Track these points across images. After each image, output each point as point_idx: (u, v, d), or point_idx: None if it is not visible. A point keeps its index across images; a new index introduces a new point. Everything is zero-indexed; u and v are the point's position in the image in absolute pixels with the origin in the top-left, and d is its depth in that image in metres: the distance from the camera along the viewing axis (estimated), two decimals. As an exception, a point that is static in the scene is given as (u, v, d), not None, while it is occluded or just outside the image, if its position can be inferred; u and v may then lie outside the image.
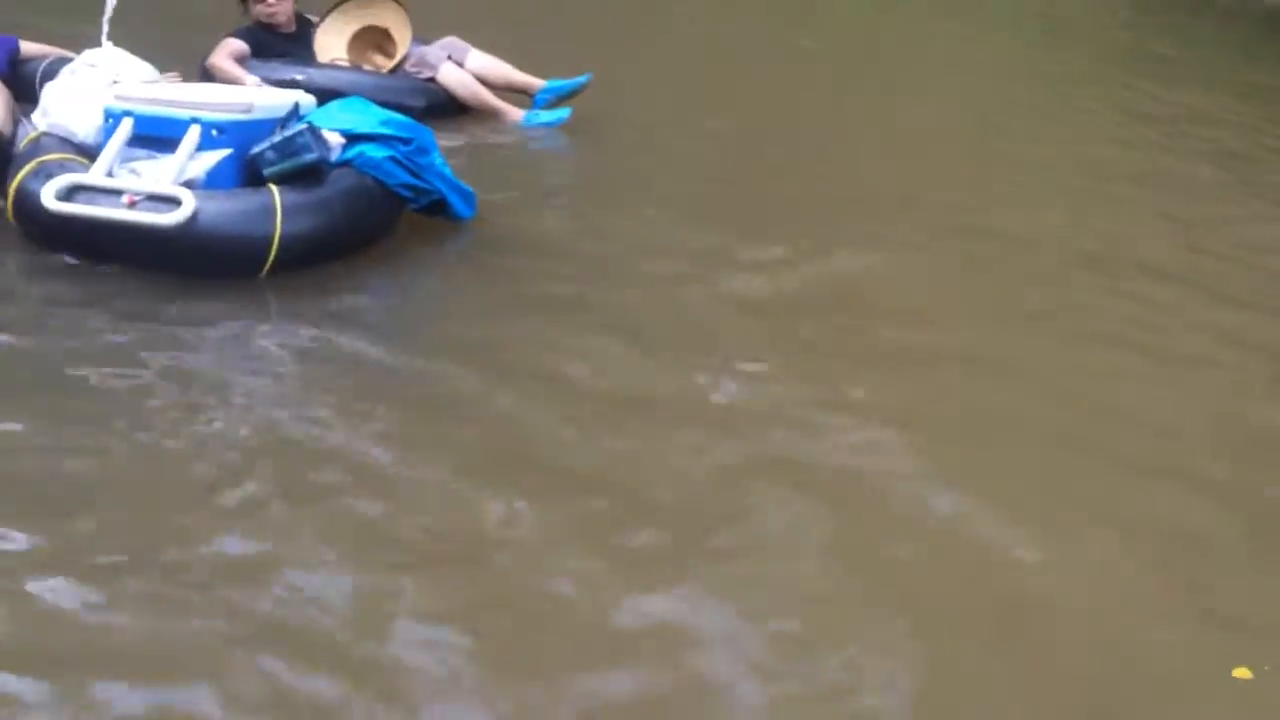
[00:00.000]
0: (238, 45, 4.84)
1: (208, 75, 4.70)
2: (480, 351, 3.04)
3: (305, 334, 3.05)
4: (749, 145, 5.15)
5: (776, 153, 5.10)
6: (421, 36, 5.07)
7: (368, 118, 3.55)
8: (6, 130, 3.64)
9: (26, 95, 3.84)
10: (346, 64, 4.96)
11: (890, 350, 3.27)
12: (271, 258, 3.20)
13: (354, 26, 5.01)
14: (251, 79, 4.61)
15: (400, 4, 5.00)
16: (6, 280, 3.27)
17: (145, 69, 3.86)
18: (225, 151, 3.32)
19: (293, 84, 4.43)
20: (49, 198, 3.15)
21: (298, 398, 2.77)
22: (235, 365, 2.93)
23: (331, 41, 5.00)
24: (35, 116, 3.65)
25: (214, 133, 3.34)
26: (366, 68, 5.00)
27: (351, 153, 3.46)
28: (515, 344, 3.12)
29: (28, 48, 4.23)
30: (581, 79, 4.96)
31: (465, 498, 2.38)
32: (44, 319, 3.06)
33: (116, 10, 3.88)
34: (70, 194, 3.19)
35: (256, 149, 3.29)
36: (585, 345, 3.11)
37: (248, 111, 3.40)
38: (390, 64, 5.01)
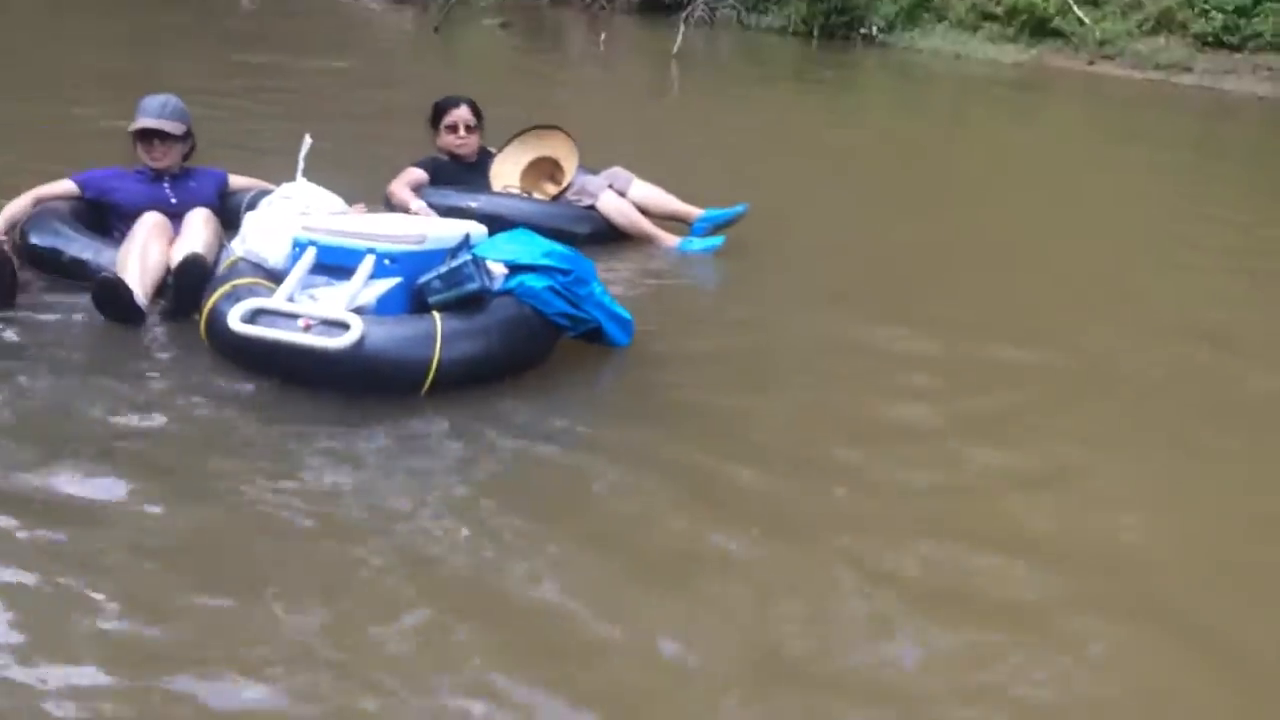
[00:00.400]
0: (417, 174, 5.06)
1: (389, 200, 4.95)
2: (632, 452, 3.12)
3: (457, 446, 3.14)
4: (908, 274, 5.04)
5: (940, 278, 5.00)
6: (590, 167, 5.19)
7: (531, 249, 3.62)
8: (211, 256, 3.88)
9: (232, 224, 4.09)
10: (516, 192, 5.11)
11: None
12: (429, 380, 3.29)
13: (528, 157, 5.19)
14: (419, 205, 4.79)
15: (569, 136, 5.17)
16: (189, 389, 3.41)
17: (334, 201, 4.06)
18: (395, 280, 3.45)
19: (463, 210, 4.70)
20: (235, 320, 3.31)
21: (444, 505, 2.83)
22: (393, 474, 3.02)
23: (506, 170, 5.18)
24: (234, 243, 3.87)
25: (386, 262, 3.46)
26: (535, 195, 5.14)
27: (513, 282, 3.51)
28: (670, 449, 3.16)
29: (235, 181, 4.52)
30: (738, 209, 5.00)
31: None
32: (218, 427, 3.18)
33: (313, 149, 4.12)
34: (254, 317, 3.34)
35: (424, 278, 3.38)
36: (738, 454, 3.14)
37: (420, 243, 3.52)
38: (555, 191, 5.15)
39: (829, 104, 10.96)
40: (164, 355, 3.66)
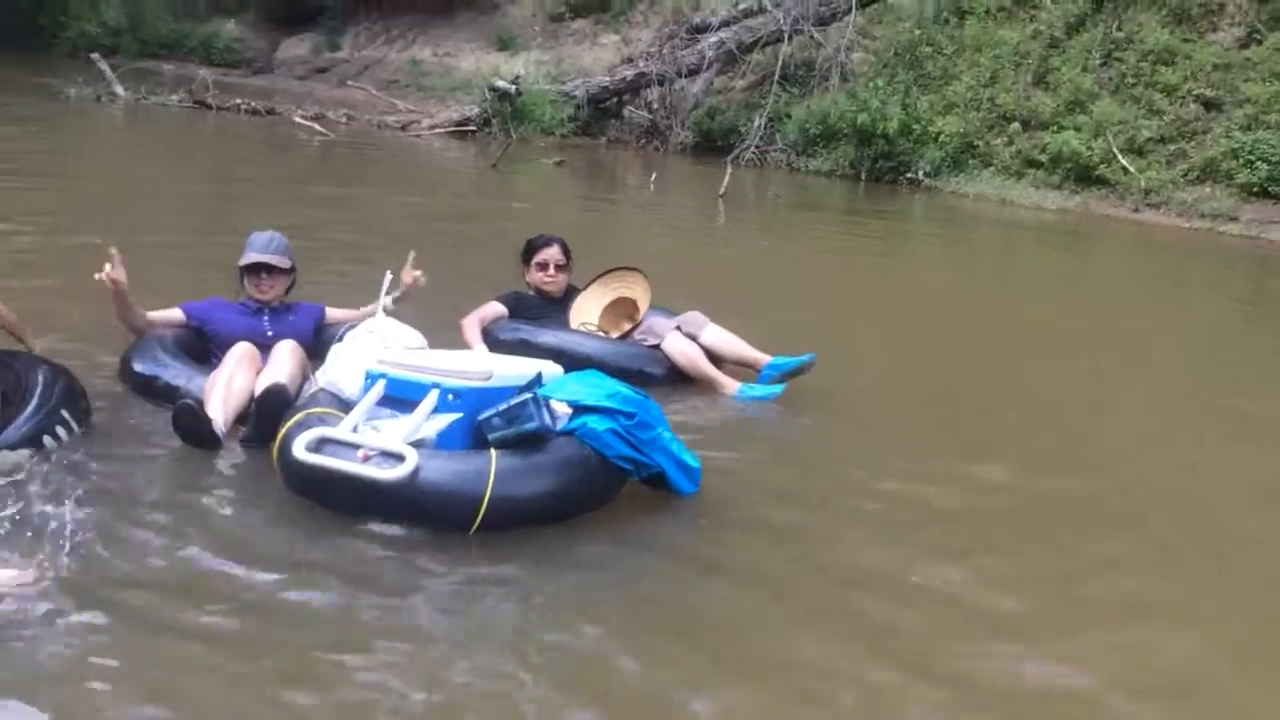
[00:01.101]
0: (495, 309, 5.14)
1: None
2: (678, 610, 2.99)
3: (500, 593, 3.07)
4: (966, 423, 4.97)
5: (1007, 431, 4.92)
6: (668, 309, 5.26)
7: (596, 390, 3.59)
8: (294, 386, 3.93)
9: (324, 355, 4.11)
10: (593, 329, 5.14)
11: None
12: (480, 517, 3.24)
13: (609, 297, 5.23)
14: (480, 346, 4.85)
15: (645, 277, 5.22)
16: (254, 521, 3.42)
17: (413, 336, 4.11)
18: (457, 415, 3.44)
19: (531, 345, 4.81)
20: (299, 447, 3.33)
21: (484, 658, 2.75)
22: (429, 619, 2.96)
23: (588, 308, 5.22)
24: (318, 374, 3.93)
25: (450, 397, 3.48)
26: (608, 333, 5.15)
27: (575, 423, 3.49)
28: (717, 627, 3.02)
29: (332, 314, 4.60)
30: (806, 358, 4.95)
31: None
32: (265, 554, 3.18)
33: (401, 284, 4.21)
34: (319, 446, 3.35)
35: (484, 415, 3.37)
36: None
37: (486, 379, 3.52)
38: (622, 330, 5.18)
39: (880, 247, 11.04)
40: (232, 480, 3.67)
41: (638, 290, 5.23)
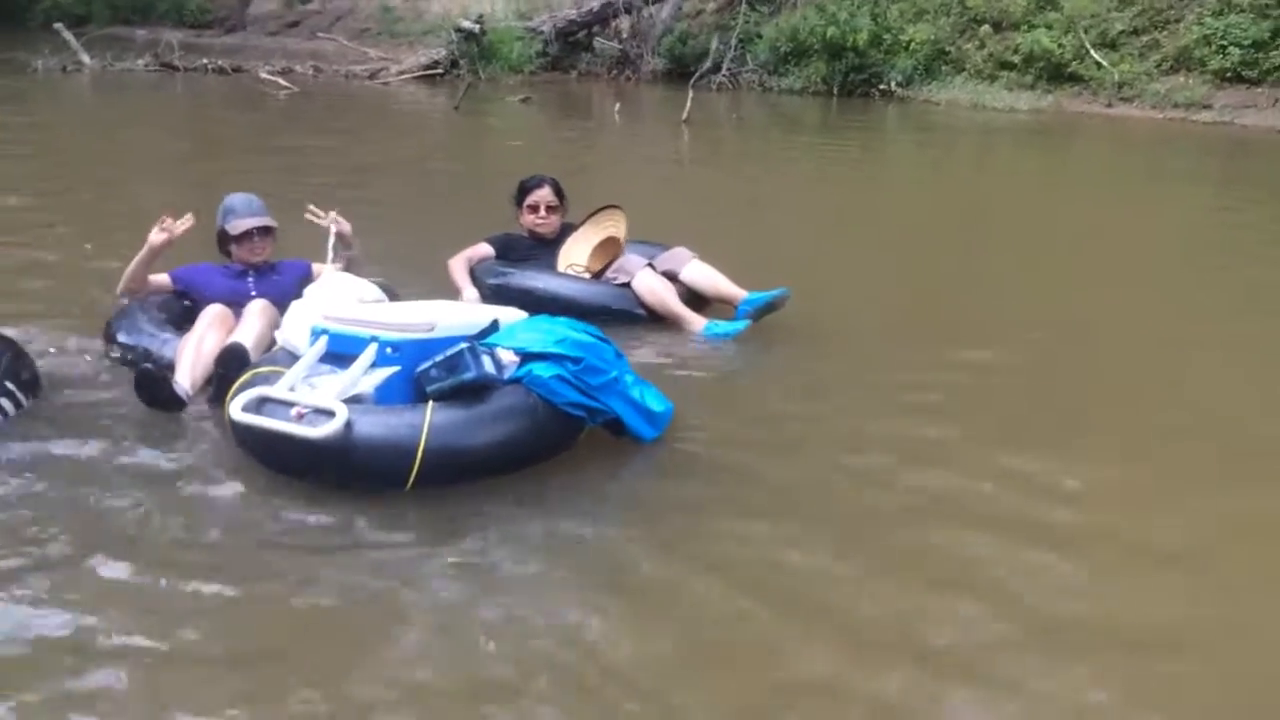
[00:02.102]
0: (483, 250, 4.99)
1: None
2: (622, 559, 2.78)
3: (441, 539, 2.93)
4: (944, 347, 4.69)
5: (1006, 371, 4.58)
6: (663, 244, 5.08)
7: (544, 336, 3.38)
8: (263, 346, 3.77)
9: None
10: (580, 270, 4.94)
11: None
12: (414, 472, 3.06)
13: (598, 236, 4.99)
14: (470, 292, 4.76)
15: (623, 214, 5.01)
16: (203, 478, 3.31)
17: (369, 289, 3.95)
18: (395, 369, 3.25)
19: (500, 287, 4.71)
20: (235, 408, 3.18)
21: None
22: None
23: (577, 250, 5.01)
24: (277, 333, 3.77)
25: (389, 350, 3.28)
26: (573, 272, 4.96)
27: (521, 371, 3.28)
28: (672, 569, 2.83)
29: (319, 270, 4.36)
30: (776, 293, 4.71)
31: None
32: (205, 515, 3.08)
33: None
34: (259, 405, 3.19)
35: (421, 367, 3.17)
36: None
37: (429, 331, 3.31)
38: (594, 270, 4.97)
39: (853, 160, 10.79)
40: (189, 442, 3.53)
41: (621, 228, 5.01)
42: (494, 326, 3.48)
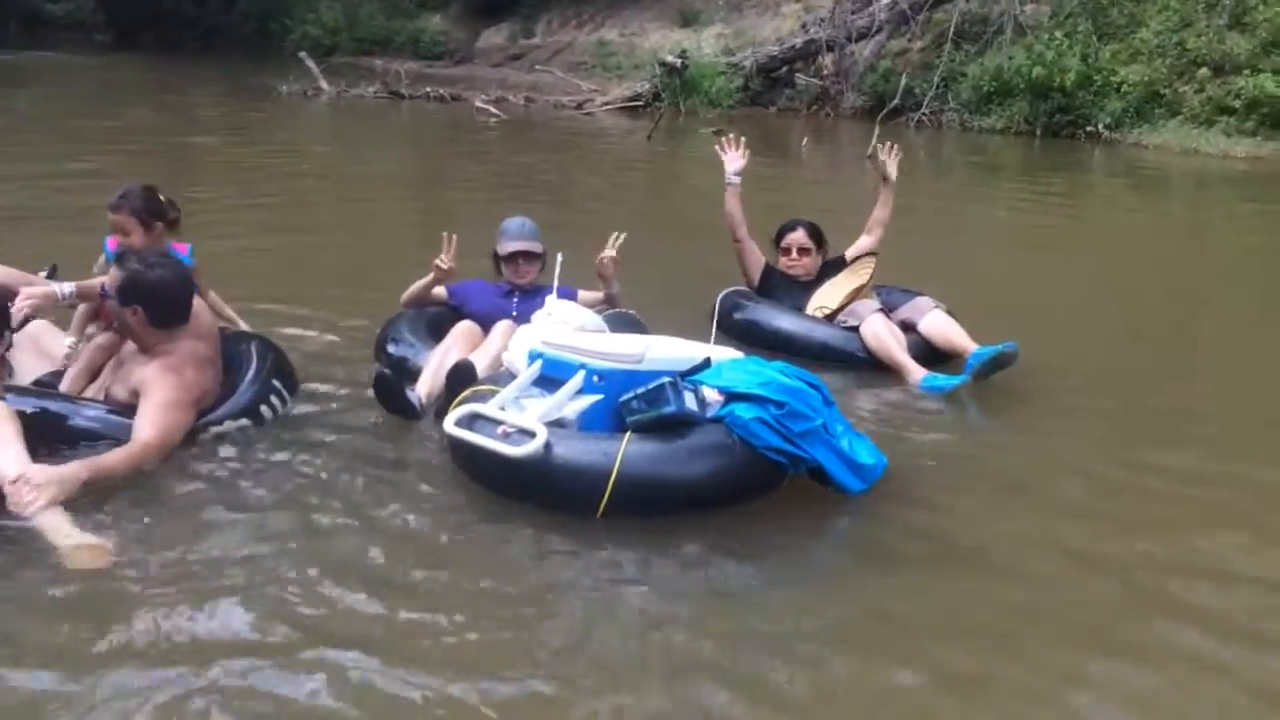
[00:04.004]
0: (757, 258, 5.09)
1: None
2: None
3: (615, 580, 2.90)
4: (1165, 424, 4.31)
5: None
6: (916, 291, 4.96)
7: (750, 377, 3.29)
8: (496, 368, 3.84)
9: None
10: (821, 315, 4.86)
11: None
12: (605, 499, 3.05)
13: (853, 283, 4.89)
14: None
15: (874, 259, 4.96)
16: (415, 494, 3.38)
17: (589, 318, 4.01)
18: (598, 397, 3.27)
19: (730, 321, 4.81)
20: (449, 422, 3.28)
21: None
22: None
23: (829, 294, 4.94)
24: (504, 354, 3.85)
25: (595, 379, 3.30)
26: (815, 315, 4.88)
27: (723, 410, 3.21)
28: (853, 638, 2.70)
29: (583, 296, 4.45)
30: (1004, 346, 4.41)
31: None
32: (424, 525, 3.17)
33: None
34: (470, 421, 3.28)
35: (624, 398, 3.17)
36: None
37: (636, 363, 3.30)
38: (830, 311, 4.87)
39: (1054, 206, 10.28)
40: (413, 455, 3.64)
41: (868, 274, 4.91)
42: (705, 364, 3.42)
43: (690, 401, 3.12)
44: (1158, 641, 2.74)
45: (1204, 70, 14.33)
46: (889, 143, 5.25)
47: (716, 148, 4.97)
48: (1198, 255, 8.18)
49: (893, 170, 5.18)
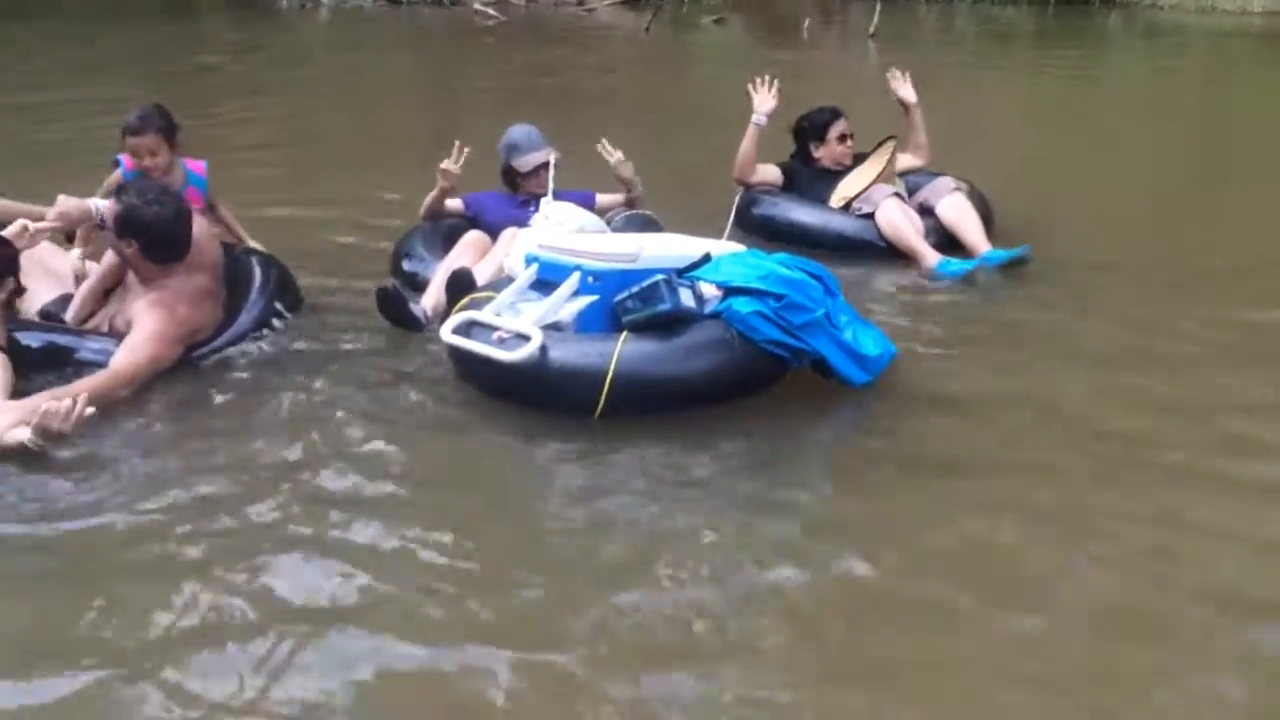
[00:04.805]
0: (770, 172, 4.87)
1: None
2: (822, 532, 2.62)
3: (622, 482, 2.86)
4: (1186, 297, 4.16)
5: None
6: (938, 172, 4.79)
7: (748, 271, 3.18)
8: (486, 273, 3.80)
9: None
10: (843, 204, 4.67)
11: None
12: (603, 399, 3.00)
13: (874, 170, 4.68)
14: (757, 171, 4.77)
15: (893, 142, 4.71)
16: (415, 394, 3.38)
17: (588, 218, 3.94)
18: (594, 297, 3.19)
19: (746, 215, 4.72)
20: (445, 330, 3.26)
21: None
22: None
23: (851, 182, 4.74)
24: (505, 259, 3.79)
25: (590, 279, 3.22)
26: (836, 205, 4.70)
27: (721, 305, 3.13)
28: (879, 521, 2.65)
29: (601, 200, 4.39)
30: (1017, 251, 4.28)
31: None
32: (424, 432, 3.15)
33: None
34: (468, 329, 3.24)
35: (619, 297, 3.09)
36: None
37: (631, 261, 3.21)
38: (848, 199, 4.69)
39: (1070, 76, 9.91)
40: (416, 362, 3.60)
41: (885, 159, 4.69)
42: (705, 260, 3.32)
43: (686, 298, 3.05)
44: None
45: (1222, -76, 13.68)
46: (894, 69, 4.94)
47: (749, 87, 4.69)
48: (1220, 113, 7.87)
49: (907, 93, 4.90)
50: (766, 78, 4.76)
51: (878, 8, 12.35)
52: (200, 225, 3.61)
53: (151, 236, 3.39)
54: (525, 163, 4.27)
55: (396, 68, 11.37)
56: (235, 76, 10.39)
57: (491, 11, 15.05)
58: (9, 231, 3.40)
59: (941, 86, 9.08)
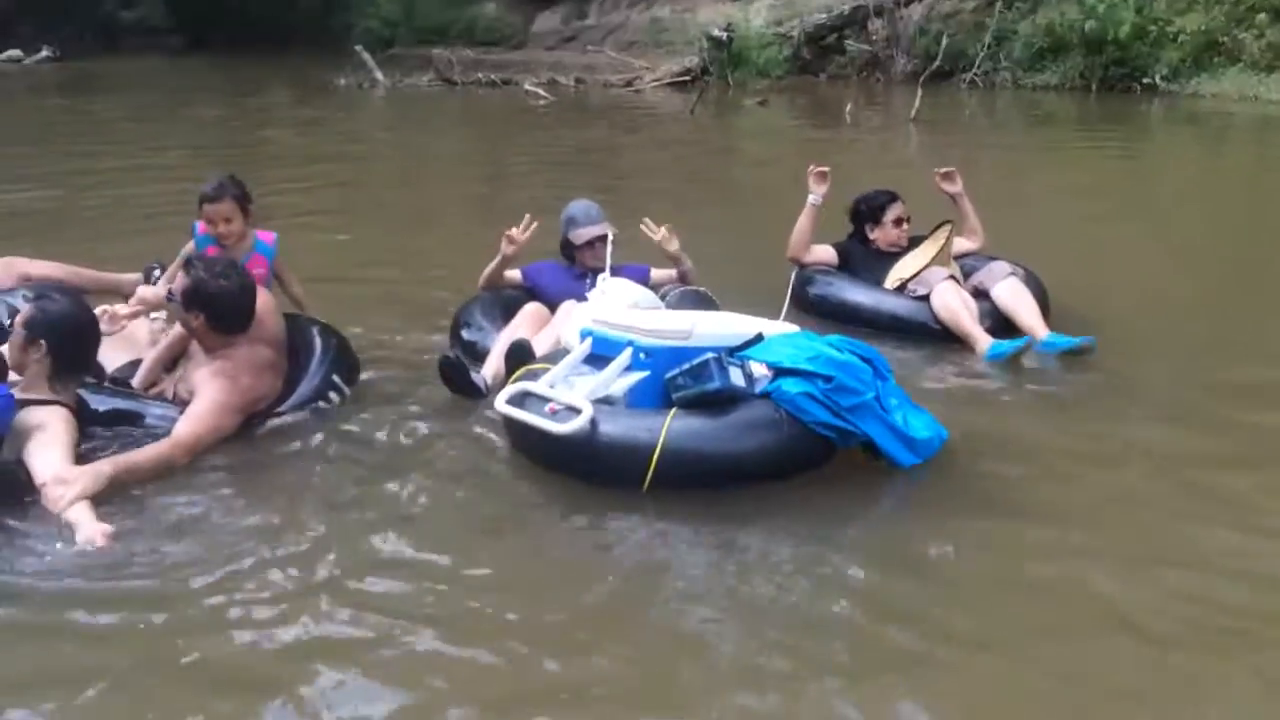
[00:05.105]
0: (825, 253, 4.89)
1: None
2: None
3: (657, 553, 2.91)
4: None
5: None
6: (993, 257, 4.78)
7: (798, 352, 3.21)
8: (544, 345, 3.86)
9: None
10: (897, 286, 4.67)
11: None
12: (649, 475, 3.03)
13: (931, 251, 4.69)
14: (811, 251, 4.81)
15: (950, 226, 4.74)
16: (470, 462, 3.43)
17: (643, 295, 3.98)
18: (645, 373, 3.24)
19: (801, 295, 4.74)
20: (500, 400, 3.31)
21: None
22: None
23: (907, 264, 4.72)
24: (562, 332, 3.84)
25: (642, 355, 3.27)
26: (891, 287, 4.69)
27: (771, 386, 3.15)
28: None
29: (656, 275, 4.41)
30: (1081, 340, 4.22)
31: None
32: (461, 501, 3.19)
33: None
34: (521, 400, 3.29)
35: (670, 374, 3.13)
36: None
37: (684, 339, 3.26)
38: (903, 281, 4.68)
39: (1110, 161, 9.94)
40: (470, 429, 3.65)
41: (941, 242, 4.70)
42: (757, 339, 3.36)
43: (736, 377, 3.08)
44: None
45: (1263, 15, 13.74)
46: (940, 170, 4.96)
47: (809, 175, 4.76)
48: (1257, 203, 7.84)
49: (953, 187, 4.92)
50: (824, 168, 4.78)
51: (919, 92, 12.51)
52: (264, 298, 3.71)
53: (217, 309, 3.49)
54: (580, 235, 4.36)
55: (449, 144, 11.67)
56: (293, 149, 10.70)
57: (542, 92, 15.42)
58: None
59: (986, 169, 9.18)
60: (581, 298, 4.13)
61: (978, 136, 11.97)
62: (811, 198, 4.77)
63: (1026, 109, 13.74)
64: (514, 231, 4.24)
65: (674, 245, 4.38)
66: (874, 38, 16.76)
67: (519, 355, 3.69)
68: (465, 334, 4.28)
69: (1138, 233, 6.69)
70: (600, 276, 4.19)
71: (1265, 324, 4.77)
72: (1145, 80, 14.09)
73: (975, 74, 15.22)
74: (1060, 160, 9.85)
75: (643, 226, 4.38)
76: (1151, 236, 6.60)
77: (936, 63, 15.22)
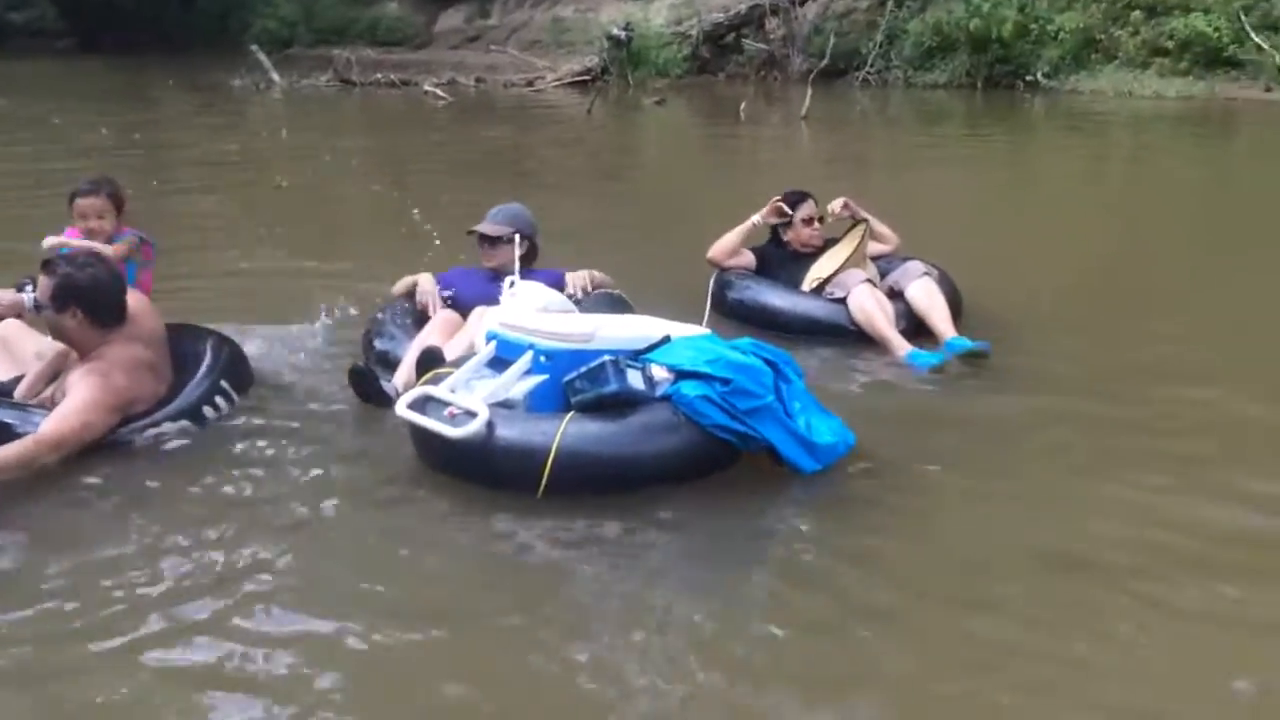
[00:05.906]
0: (745, 256, 4.80)
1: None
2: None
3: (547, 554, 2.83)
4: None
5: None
6: (910, 257, 4.75)
7: (699, 355, 3.15)
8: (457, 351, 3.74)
9: None
10: (815, 287, 4.60)
11: None
12: (544, 479, 2.96)
13: (846, 252, 4.63)
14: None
15: (864, 226, 4.68)
16: (369, 470, 3.32)
17: (553, 298, 3.83)
18: (544, 376, 3.16)
19: (720, 300, 4.66)
20: (401, 404, 3.20)
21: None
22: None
23: (823, 265, 4.65)
24: (474, 337, 3.73)
25: (542, 359, 3.20)
26: (808, 288, 4.62)
27: (671, 389, 3.09)
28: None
29: (570, 278, 4.25)
30: (979, 345, 4.19)
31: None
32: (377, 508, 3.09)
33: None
34: (423, 404, 3.19)
35: (568, 377, 3.06)
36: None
37: (585, 341, 3.19)
38: (821, 281, 4.61)
39: (986, 157, 10.19)
40: (375, 437, 3.56)
41: (855, 243, 4.65)
42: (664, 342, 3.28)
43: (635, 380, 3.02)
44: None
45: (1137, 13, 14.27)
46: (833, 207, 4.77)
47: (770, 204, 4.69)
48: (1139, 193, 8.10)
49: (852, 213, 4.78)
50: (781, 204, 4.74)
51: (809, 91, 12.65)
52: (136, 297, 3.58)
53: (92, 298, 3.37)
54: (478, 229, 4.29)
55: (351, 144, 11.37)
56: (185, 150, 10.32)
57: (441, 93, 15.19)
58: None
59: (877, 166, 9.32)
60: (495, 302, 4.01)
61: (868, 132, 12.17)
62: (755, 217, 4.70)
63: (917, 106, 14.01)
64: (428, 300, 4.18)
65: (593, 283, 4.24)
66: (771, 37, 16.91)
67: (429, 363, 3.59)
68: (378, 343, 4.14)
69: (1026, 226, 6.87)
70: (508, 279, 4.09)
71: (1151, 307, 4.89)
72: (1028, 78, 14.49)
73: (868, 72, 15.47)
74: (947, 157, 10.04)
75: (568, 291, 4.16)
76: (1040, 230, 6.76)
77: (825, 61, 15.42)
